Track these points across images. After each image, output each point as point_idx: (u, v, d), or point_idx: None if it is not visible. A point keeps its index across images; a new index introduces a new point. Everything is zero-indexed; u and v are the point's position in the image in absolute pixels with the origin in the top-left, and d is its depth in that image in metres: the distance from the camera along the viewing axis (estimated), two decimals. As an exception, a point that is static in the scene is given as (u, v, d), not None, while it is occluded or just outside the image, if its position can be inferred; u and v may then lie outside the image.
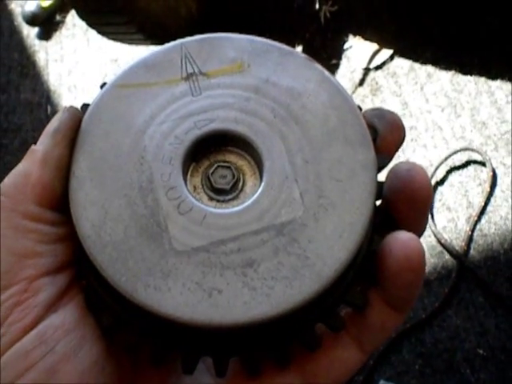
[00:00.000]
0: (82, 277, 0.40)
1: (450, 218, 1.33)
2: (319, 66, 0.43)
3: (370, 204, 0.39)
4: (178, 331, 0.38)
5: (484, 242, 1.29)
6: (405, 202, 0.39)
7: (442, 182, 1.35)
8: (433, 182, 1.35)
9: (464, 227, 1.31)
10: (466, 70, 1.43)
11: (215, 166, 0.41)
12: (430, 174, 1.34)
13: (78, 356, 0.37)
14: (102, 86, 0.43)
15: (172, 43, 0.44)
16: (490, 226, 1.30)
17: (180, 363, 0.39)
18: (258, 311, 0.36)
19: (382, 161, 0.41)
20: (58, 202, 0.39)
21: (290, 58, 0.43)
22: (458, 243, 1.31)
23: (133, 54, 1.63)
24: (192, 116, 0.41)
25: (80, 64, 1.68)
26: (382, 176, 0.40)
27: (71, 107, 0.42)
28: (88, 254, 0.38)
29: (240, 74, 0.42)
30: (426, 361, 1.22)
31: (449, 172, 1.36)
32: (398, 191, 0.39)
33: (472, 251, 1.29)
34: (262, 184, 0.39)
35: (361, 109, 0.42)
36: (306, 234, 0.38)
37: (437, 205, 1.34)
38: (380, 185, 0.40)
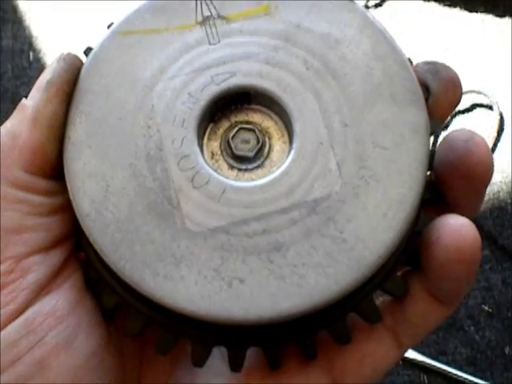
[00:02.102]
0: (81, 249, 0.36)
1: (453, 165, 1.27)
2: (361, 8, 0.37)
3: (421, 177, 0.34)
4: (191, 322, 0.33)
5: (490, 191, 1.24)
6: (459, 179, 0.35)
7: (446, 126, 1.28)
8: (436, 126, 1.30)
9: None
10: (471, 6, 1.38)
11: (237, 128, 0.37)
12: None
13: (72, 347, 0.34)
14: (109, 27, 0.38)
15: None
16: (497, 174, 1.24)
17: (190, 354, 0.36)
18: (287, 305, 0.32)
19: (433, 125, 0.36)
20: (50, 167, 0.35)
21: None
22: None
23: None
24: (209, 69, 0.36)
25: (64, 8, 1.63)
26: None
27: (68, 54, 0.37)
28: (87, 235, 0.33)
29: (266, 17, 0.37)
30: (427, 317, 1.18)
31: (453, 116, 1.30)
32: (452, 166, 0.34)
33: (476, 202, 1.24)
34: (292, 152, 0.35)
35: (411, 62, 0.37)
36: (344, 213, 0.33)
37: (440, 150, 1.29)
38: (431, 153, 0.35)
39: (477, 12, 1.37)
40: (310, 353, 0.37)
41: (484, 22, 1.36)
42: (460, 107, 1.30)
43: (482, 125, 1.27)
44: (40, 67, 1.54)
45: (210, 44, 0.36)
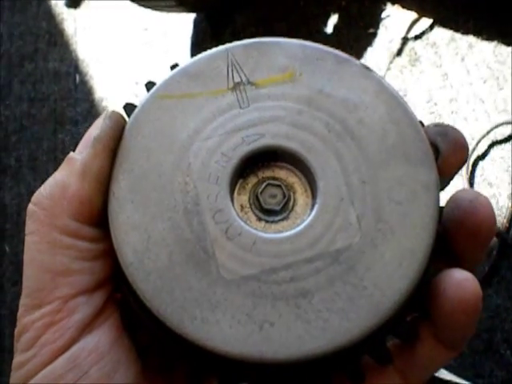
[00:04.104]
0: (118, 290, 0.39)
1: (491, 194, 1.29)
2: (377, 75, 0.40)
3: (432, 229, 0.36)
4: (219, 360, 0.35)
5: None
6: (464, 235, 0.37)
7: (483, 156, 1.31)
8: (474, 156, 1.32)
9: (506, 203, 1.28)
10: (508, 40, 1.39)
11: (264, 184, 0.39)
12: (470, 148, 1.31)
13: (113, 381, 0.36)
14: (147, 85, 0.41)
15: (217, 49, 0.41)
16: (534, 202, 1.27)
17: None
18: (313, 346, 0.34)
19: (442, 182, 0.38)
20: (96, 216, 0.38)
21: (346, 66, 0.40)
22: (500, 220, 1.27)
23: (163, 22, 1.60)
24: (240, 131, 0.39)
25: (109, 32, 1.66)
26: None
27: (113, 112, 0.39)
28: (131, 283, 0.36)
29: (291, 83, 0.40)
30: (464, 341, 1.19)
31: (490, 146, 1.32)
32: (458, 222, 0.37)
33: (514, 228, 1.27)
34: (316, 207, 0.37)
35: (423, 124, 0.39)
36: (364, 262, 0.36)
37: (478, 180, 1.31)
38: (440, 208, 0.37)
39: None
40: None
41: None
42: (497, 138, 1.31)
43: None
44: (86, 90, 1.57)
45: (240, 108, 0.39)
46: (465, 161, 0.39)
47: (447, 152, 0.38)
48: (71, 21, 1.70)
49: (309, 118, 0.38)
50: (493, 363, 1.17)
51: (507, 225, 1.26)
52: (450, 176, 0.39)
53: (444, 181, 0.39)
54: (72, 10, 1.72)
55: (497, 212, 1.28)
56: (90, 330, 0.36)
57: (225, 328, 0.34)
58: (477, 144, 1.31)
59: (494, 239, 1.25)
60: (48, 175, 0.39)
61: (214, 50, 0.41)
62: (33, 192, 0.38)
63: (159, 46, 1.59)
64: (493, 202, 1.29)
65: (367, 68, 0.40)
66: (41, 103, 1.56)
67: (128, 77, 1.54)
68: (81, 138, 0.39)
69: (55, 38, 1.67)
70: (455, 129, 0.39)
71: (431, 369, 0.39)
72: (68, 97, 1.56)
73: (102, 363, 0.36)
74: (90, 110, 1.50)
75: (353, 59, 0.40)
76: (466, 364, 1.17)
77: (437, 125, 0.39)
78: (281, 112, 0.39)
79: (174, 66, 0.41)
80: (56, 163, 1.35)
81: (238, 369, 0.36)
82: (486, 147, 1.32)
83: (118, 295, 0.39)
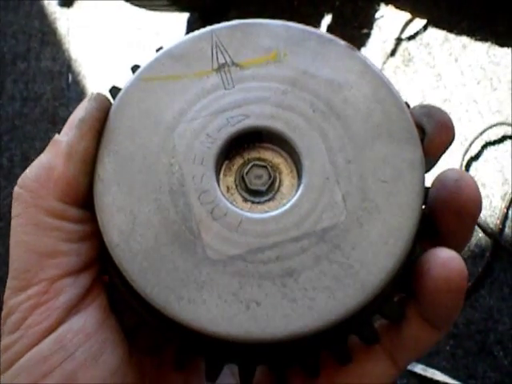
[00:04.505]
0: (105, 272, 0.39)
1: (484, 195, 1.29)
2: (361, 55, 0.40)
3: (418, 207, 0.36)
4: (207, 340, 0.35)
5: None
6: (450, 215, 0.37)
7: (476, 157, 1.31)
8: (467, 157, 1.32)
9: (499, 204, 1.28)
10: (502, 41, 1.39)
11: (250, 165, 0.39)
12: (464, 149, 1.31)
13: (99, 362, 0.36)
14: (132, 68, 0.41)
15: (201, 30, 0.41)
16: (528, 202, 1.27)
17: (204, 369, 0.38)
18: (299, 325, 0.34)
19: (427, 163, 0.38)
20: (82, 198, 0.37)
21: (330, 47, 0.40)
22: (493, 221, 1.28)
23: (156, 22, 1.60)
24: (224, 112, 0.39)
25: (102, 32, 1.66)
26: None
27: (98, 94, 0.39)
28: (117, 264, 0.36)
29: (276, 64, 0.40)
30: (457, 342, 1.20)
31: (484, 147, 1.32)
32: (444, 202, 0.36)
33: (507, 229, 1.27)
34: (301, 186, 0.37)
35: (408, 105, 0.39)
36: (349, 241, 0.36)
37: (471, 181, 1.30)
38: (426, 189, 0.38)
39: (508, 47, 1.38)
40: (313, 372, 0.38)
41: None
42: (490, 139, 1.31)
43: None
44: (79, 90, 1.57)
45: (225, 89, 0.39)
46: (451, 142, 0.39)
47: (433, 133, 0.38)
48: (64, 20, 1.70)
49: (293, 98, 0.39)
50: (486, 365, 1.17)
51: (500, 226, 1.26)
52: (437, 157, 0.39)
53: (430, 162, 0.39)
54: (65, 10, 1.72)
55: (490, 213, 1.28)
56: (77, 311, 0.36)
57: (211, 308, 0.34)
58: (470, 145, 1.32)
59: (487, 240, 1.25)
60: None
61: (199, 31, 0.41)
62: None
63: (152, 45, 1.58)
64: (486, 202, 1.29)
65: (352, 48, 0.40)
66: (33, 103, 1.56)
67: (121, 76, 1.54)
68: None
69: (48, 38, 1.67)
70: (441, 110, 0.39)
71: (418, 349, 0.39)
72: (61, 96, 1.56)
73: (88, 344, 0.36)
74: (82, 109, 1.49)
75: (337, 39, 0.40)
76: (460, 365, 1.18)
77: (422, 106, 0.39)
78: (265, 93, 0.39)
79: (159, 49, 0.41)
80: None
81: (225, 349, 0.36)
82: (479, 148, 1.33)
83: (105, 277, 0.39)
